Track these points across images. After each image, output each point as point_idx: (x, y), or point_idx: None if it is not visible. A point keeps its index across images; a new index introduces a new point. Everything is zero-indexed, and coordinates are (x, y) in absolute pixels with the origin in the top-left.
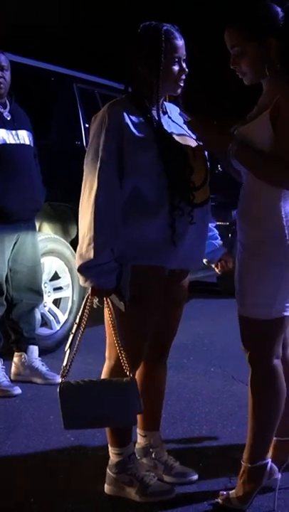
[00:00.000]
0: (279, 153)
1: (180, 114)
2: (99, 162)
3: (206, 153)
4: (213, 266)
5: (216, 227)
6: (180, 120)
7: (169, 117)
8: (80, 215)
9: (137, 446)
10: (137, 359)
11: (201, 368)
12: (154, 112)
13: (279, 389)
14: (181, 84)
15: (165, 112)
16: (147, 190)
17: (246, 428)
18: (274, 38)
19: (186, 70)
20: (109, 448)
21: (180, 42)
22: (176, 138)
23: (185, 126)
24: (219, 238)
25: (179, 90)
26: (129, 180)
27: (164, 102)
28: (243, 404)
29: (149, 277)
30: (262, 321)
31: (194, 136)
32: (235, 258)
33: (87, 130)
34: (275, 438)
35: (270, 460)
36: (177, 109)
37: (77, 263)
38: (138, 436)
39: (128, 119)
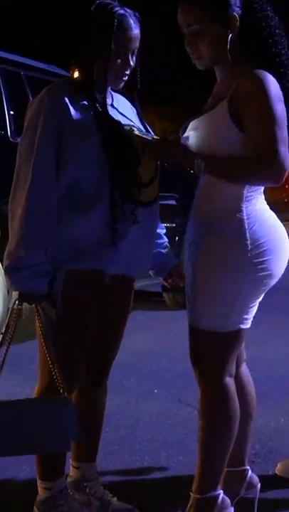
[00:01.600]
0: (247, 151)
1: (133, 107)
2: (35, 151)
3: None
4: (161, 279)
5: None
6: (129, 112)
7: (115, 108)
8: (11, 211)
9: (69, 479)
10: (73, 378)
11: (143, 390)
12: (100, 99)
13: (232, 411)
14: (124, 79)
15: (111, 102)
16: (86, 183)
17: (195, 457)
18: (235, 17)
19: (132, 64)
20: (38, 482)
21: (133, 32)
22: (125, 130)
23: (135, 120)
24: (169, 247)
25: (121, 85)
26: (67, 171)
27: (112, 92)
28: (191, 430)
29: (86, 283)
30: (215, 334)
31: (143, 129)
32: (183, 262)
33: (12, 118)
34: (227, 468)
35: (221, 492)
36: (127, 102)
37: (4, 263)
38: (70, 468)
39: (70, 104)
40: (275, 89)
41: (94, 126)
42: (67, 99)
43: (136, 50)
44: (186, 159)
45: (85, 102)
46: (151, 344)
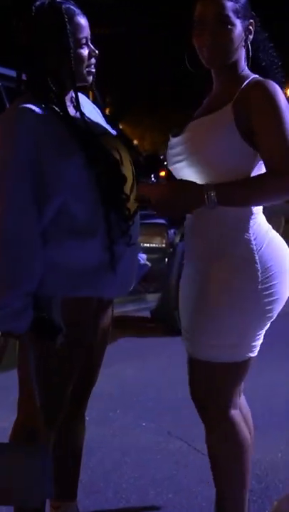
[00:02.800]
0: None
1: (96, 107)
2: (6, 180)
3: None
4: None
5: (151, 249)
6: (95, 115)
7: (87, 117)
8: None
9: None
10: (58, 413)
11: (130, 422)
12: (71, 110)
13: (243, 445)
14: (93, 70)
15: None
16: (77, 207)
17: (186, 495)
18: (253, 24)
19: (96, 51)
20: None
21: (84, 19)
22: (100, 139)
23: (101, 119)
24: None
25: (91, 78)
26: (55, 197)
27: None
28: (182, 465)
29: (81, 311)
30: (221, 365)
31: (114, 132)
32: (179, 284)
33: None
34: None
35: None
36: (88, 101)
37: None
38: (49, 508)
39: (42, 122)
40: (284, 100)
41: (74, 145)
42: (38, 116)
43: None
44: (195, 199)
45: (58, 117)
46: (139, 373)
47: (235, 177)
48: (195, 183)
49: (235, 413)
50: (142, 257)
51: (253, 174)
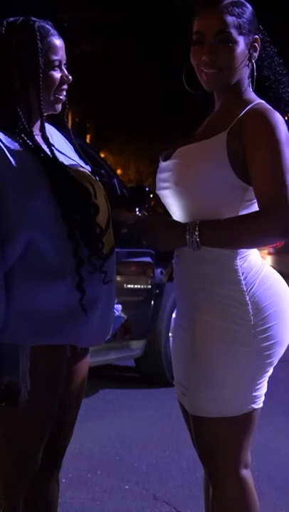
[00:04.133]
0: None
1: (66, 140)
2: None
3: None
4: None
5: (135, 291)
6: (65, 147)
7: (53, 146)
8: None
9: None
10: (27, 476)
11: (112, 485)
12: (38, 138)
13: (252, 509)
14: (62, 98)
15: (47, 138)
16: (47, 244)
17: None
18: (259, 39)
19: (70, 77)
20: None
21: (59, 41)
22: (70, 171)
23: (73, 154)
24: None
25: (60, 106)
26: (20, 236)
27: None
28: None
29: (52, 360)
30: (224, 420)
31: (88, 168)
32: (167, 329)
33: None
34: None
35: None
36: (57, 132)
37: None
38: None
39: (7, 153)
40: (285, 131)
41: (41, 177)
42: (2, 149)
43: (65, 62)
44: (177, 239)
45: (22, 147)
46: (122, 429)
47: (222, 212)
48: (178, 223)
49: (245, 473)
50: (117, 308)
51: (242, 211)
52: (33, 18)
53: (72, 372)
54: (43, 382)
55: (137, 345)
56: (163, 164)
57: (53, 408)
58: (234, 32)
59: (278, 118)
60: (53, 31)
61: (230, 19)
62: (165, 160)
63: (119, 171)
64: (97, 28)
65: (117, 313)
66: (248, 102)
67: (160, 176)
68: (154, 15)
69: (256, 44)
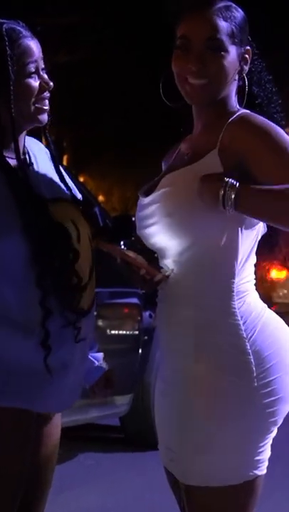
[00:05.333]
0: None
1: (50, 156)
2: None
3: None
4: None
5: (120, 337)
6: (49, 168)
7: (31, 164)
8: None
9: None
10: None
11: None
12: (12, 162)
13: None
14: (46, 108)
15: (25, 159)
16: (11, 291)
17: None
18: (250, 50)
19: (51, 83)
20: None
21: (33, 42)
22: (51, 206)
23: (55, 176)
24: (96, 347)
25: (45, 116)
26: None
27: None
28: None
29: (10, 425)
30: (222, 490)
31: (79, 196)
32: (150, 384)
33: None
34: None
35: None
36: (42, 148)
37: None
38: None
39: None
40: (279, 128)
41: (13, 217)
42: None
43: (43, 67)
44: (210, 186)
45: None
46: (104, 500)
47: (221, 244)
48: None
49: None
50: (97, 357)
51: (245, 237)
52: (0, 20)
53: (41, 437)
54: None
55: (122, 401)
56: (145, 200)
57: (13, 480)
58: (226, 39)
59: (264, 119)
60: (25, 33)
61: (222, 24)
62: (147, 195)
63: (101, 198)
64: (78, 35)
65: (96, 363)
66: (231, 114)
67: (142, 213)
68: (144, 22)
69: (247, 56)
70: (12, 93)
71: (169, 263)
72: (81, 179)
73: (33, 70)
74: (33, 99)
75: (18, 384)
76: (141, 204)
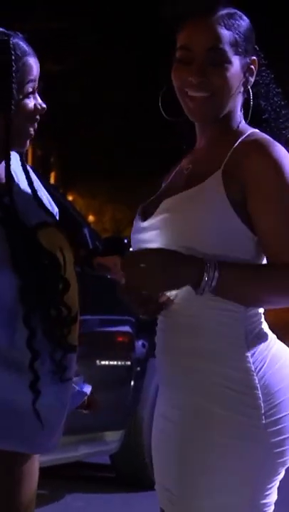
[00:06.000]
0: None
1: (32, 172)
2: None
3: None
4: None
5: (111, 368)
6: (25, 181)
7: (15, 183)
8: None
9: None
10: None
11: None
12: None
13: None
14: (32, 133)
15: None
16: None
17: None
18: (256, 61)
19: (44, 105)
20: None
21: (34, 60)
22: (38, 233)
23: (35, 194)
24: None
25: (28, 143)
26: None
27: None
28: None
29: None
30: None
31: (55, 210)
32: (151, 416)
33: None
34: None
35: None
36: (17, 157)
37: None
38: None
39: None
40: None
41: (4, 254)
42: None
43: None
44: (188, 274)
45: None
46: None
47: None
48: (184, 255)
49: None
50: (78, 382)
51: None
52: (5, 31)
53: (16, 482)
54: None
55: (113, 438)
56: (144, 224)
57: None
58: (229, 50)
59: (281, 150)
60: (28, 49)
61: (225, 33)
62: (145, 216)
63: (91, 218)
64: (68, 41)
65: (76, 388)
66: (240, 133)
67: (140, 236)
68: (141, 28)
69: (253, 67)
70: (11, 112)
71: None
72: (70, 198)
73: (30, 89)
74: (25, 121)
75: (6, 425)
76: (139, 227)
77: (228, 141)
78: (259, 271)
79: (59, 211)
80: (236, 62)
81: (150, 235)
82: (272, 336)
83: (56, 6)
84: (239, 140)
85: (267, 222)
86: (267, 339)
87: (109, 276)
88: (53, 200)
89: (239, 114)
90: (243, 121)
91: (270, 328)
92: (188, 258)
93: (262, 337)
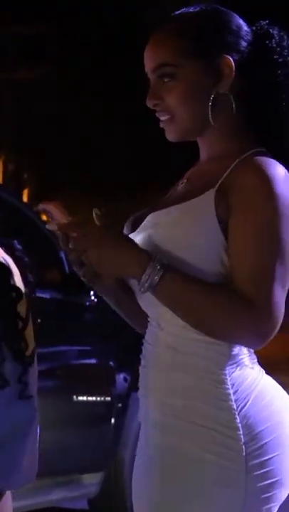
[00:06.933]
0: (227, 277)
1: None
2: None
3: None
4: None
5: (90, 404)
6: None
7: None
8: None
9: None
10: None
11: None
12: None
13: None
14: None
15: None
16: None
17: None
18: (229, 62)
19: None
20: None
21: None
22: None
23: None
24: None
25: None
26: None
27: None
28: None
29: None
30: None
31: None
32: (133, 457)
33: None
34: None
35: None
36: None
37: None
38: None
39: None
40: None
41: None
42: None
43: None
44: (127, 261)
45: None
46: None
47: None
48: (136, 245)
49: None
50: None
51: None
52: None
53: None
54: None
55: (92, 480)
56: (130, 236)
57: None
58: (177, 59)
59: (280, 175)
60: None
61: (171, 44)
62: (134, 230)
63: None
64: (41, 49)
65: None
66: (242, 150)
67: None
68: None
69: (224, 67)
70: None
71: (156, 319)
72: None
73: None
74: None
75: None
76: None
77: (227, 159)
78: (207, 289)
79: (32, 231)
80: (190, 68)
81: None
82: (259, 371)
83: (29, 9)
84: (238, 159)
85: (240, 249)
86: (253, 374)
87: (88, 304)
88: (26, 220)
89: (234, 124)
90: (246, 131)
91: (258, 361)
92: (139, 249)
93: (247, 372)
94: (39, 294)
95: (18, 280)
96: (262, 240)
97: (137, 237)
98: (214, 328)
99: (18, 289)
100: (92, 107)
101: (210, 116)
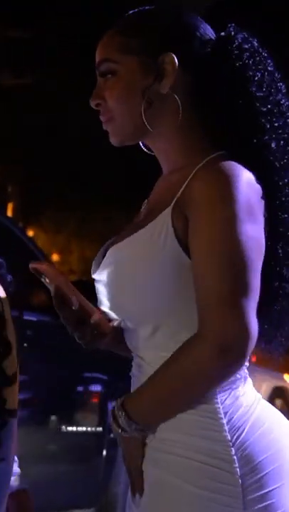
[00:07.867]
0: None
1: None
2: None
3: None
4: None
5: (80, 435)
6: None
7: None
8: None
9: None
10: None
11: None
12: None
13: None
14: None
15: None
16: None
17: None
18: (171, 58)
19: None
20: None
21: None
22: None
23: None
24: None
25: None
26: None
27: None
28: None
29: None
30: None
31: None
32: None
33: None
34: None
35: None
36: None
37: None
38: None
39: None
40: (251, 200)
41: None
42: None
43: None
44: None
45: None
46: None
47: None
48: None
49: None
50: (14, 472)
51: None
52: None
53: None
54: None
55: None
56: (95, 273)
57: None
58: (118, 56)
59: (242, 178)
60: None
61: (111, 41)
62: (96, 267)
63: (55, 257)
64: (29, 54)
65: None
66: (201, 157)
67: (97, 286)
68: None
69: (167, 65)
70: None
71: (137, 348)
72: (30, 232)
73: None
74: None
75: None
76: (94, 270)
77: (187, 168)
78: (157, 379)
79: (17, 249)
80: (129, 66)
81: (100, 285)
82: (255, 397)
83: (17, 12)
84: (196, 168)
85: (197, 269)
86: (248, 401)
87: None
88: (11, 235)
89: (187, 127)
90: (208, 138)
91: None
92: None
93: (241, 399)
94: (26, 317)
95: (10, 330)
96: (221, 260)
97: (101, 276)
98: (195, 388)
99: (8, 343)
100: (82, 117)
101: (143, 116)
